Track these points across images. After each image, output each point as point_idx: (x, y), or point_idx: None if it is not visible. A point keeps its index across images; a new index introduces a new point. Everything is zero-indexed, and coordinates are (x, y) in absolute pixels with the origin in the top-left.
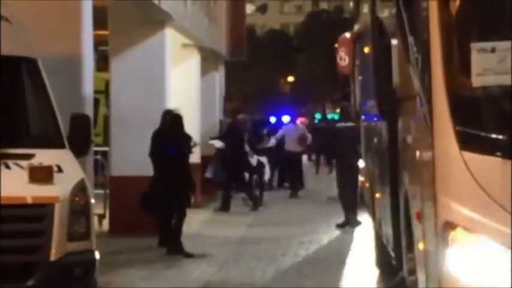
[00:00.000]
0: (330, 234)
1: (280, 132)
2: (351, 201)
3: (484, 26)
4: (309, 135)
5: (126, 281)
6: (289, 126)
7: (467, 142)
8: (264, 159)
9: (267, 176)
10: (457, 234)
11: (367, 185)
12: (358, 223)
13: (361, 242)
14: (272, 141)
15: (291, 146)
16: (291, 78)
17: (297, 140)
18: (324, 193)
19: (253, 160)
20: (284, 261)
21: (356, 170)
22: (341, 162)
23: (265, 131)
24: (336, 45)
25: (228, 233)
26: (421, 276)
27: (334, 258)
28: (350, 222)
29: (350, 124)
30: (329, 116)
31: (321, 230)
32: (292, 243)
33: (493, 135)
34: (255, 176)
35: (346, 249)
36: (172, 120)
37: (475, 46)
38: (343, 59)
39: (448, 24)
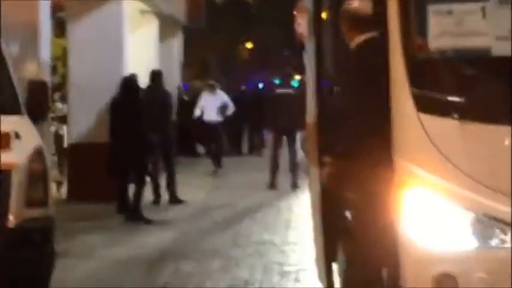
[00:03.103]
0: (288, 200)
1: (200, 102)
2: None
3: None
4: (231, 105)
5: (85, 248)
6: (208, 95)
7: (424, 104)
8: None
9: None
10: (414, 196)
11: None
12: (298, 187)
13: None
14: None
15: (209, 115)
16: (249, 45)
17: (216, 109)
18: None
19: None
20: (242, 226)
21: (294, 135)
22: (276, 128)
23: None
24: (295, 12)
25: (187, 198)
26: None
27: (292, 224)
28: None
29: (289, 90)
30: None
31: (279, 196)
32: (252, 209)
33: (450, 98)
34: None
35: (304, 215)
36: (128, 87)
37: (432, 8)
38: (301, 26)
39: None
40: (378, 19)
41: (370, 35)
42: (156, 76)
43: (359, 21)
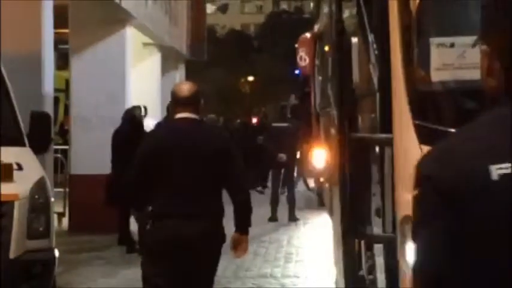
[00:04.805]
0: (289, 233)
1: None
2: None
3: (443, 22)
4: None
5: (86, 280)
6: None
7: (426, 136)
8: None
9: None
10: None
11: (326, 185)
12: (297, 219)
13: (320, 241)
14: None
15: None
16: (251, 78)
17: None
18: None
19: None
20: (242, 259)
21: (291, 169)
22: (273, 161)
23: None
24: (296, 46)
25: None
26: (379, 273)
27: (293, 257)
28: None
29: (285, 124)
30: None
31: (279, 229)
32: (252, 242)
33: (452, 130)
34: None
35: (305, 248)
36: (131, 119)
37: (434, 41)
38: (303, 59)
39: (408, 20)
40: (193, 102)
41: (189, 115)
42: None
43: (178, 101)
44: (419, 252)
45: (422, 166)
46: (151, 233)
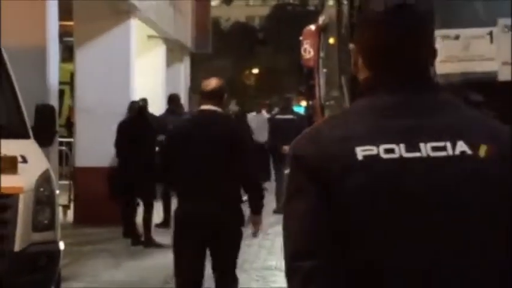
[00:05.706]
0: None
1: None
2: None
3: (448, 14)
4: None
5: (91, 272)
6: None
7: None
8: None
9: None
10: None
11: None
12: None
13: None
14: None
15: None
16: (255, 70)
17: None
18: None
19: None
20: (248, 251)
21: None
22: (276, 153)
23: None
24: (301, 38)
25: None
26: None
27: None
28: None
29: (288, 116)
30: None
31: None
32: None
33: None
34: None
35: None
36: (137, 112)
37: (438, 33)
38: (308, 51)
39: None
40: (216, 96)
41: (210, 107)
42: (174, 100)
43: (202, 94)
44: (285, 227)
45: (293, 147)
46: (176, 212)
